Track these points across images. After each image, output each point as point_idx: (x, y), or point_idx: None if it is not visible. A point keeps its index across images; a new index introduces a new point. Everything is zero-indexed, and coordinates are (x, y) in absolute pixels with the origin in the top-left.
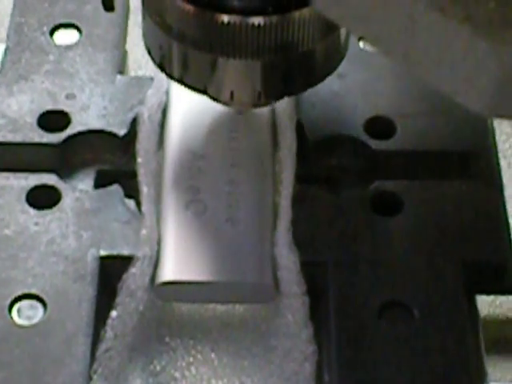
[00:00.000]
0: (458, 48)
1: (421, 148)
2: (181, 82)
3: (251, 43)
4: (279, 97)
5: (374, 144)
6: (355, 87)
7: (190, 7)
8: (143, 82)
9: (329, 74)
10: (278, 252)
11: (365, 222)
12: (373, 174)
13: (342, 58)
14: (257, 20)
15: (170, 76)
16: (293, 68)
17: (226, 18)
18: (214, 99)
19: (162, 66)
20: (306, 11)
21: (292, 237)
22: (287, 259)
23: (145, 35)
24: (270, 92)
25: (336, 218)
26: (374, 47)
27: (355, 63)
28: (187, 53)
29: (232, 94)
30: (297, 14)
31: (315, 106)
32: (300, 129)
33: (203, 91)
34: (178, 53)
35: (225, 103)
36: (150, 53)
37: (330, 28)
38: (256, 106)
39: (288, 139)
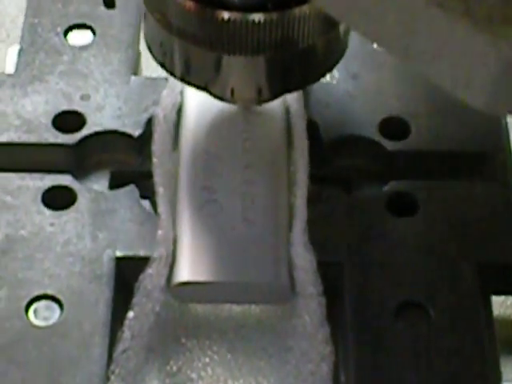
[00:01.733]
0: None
1: (435, 148)
2: (182, 79)
3: (251, 40)
4: (280, 93)
5: (389, 144)
6: (369, 88)
7: (190, 4)
8: (158, 83)
9: (329, 70)
10: (294, 252)
11: (380, 222)
12: (387, 175)
13: (342, 55)
14: (257, 17)
15: (171, 73)
16: (293, 64)
17: (226, 15)
18: (216, 96)
19: (162, 64)
20: (305, 7)
21: (308, 237)
22: (303, 259)
23: (146, 32)
24: (271, 88)
25: (351, 219)
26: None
27: (369, 64)
28: (188, 50)
29: (232, 90)
30: (297, 10)
31: (330, 106)
32: (315, 129)
33: (204, 88)
34: (178, 50)
35: (226, 100)
36: (150, 50)
37: (330, 24)
38: (257, 102)
39: (300, 139)
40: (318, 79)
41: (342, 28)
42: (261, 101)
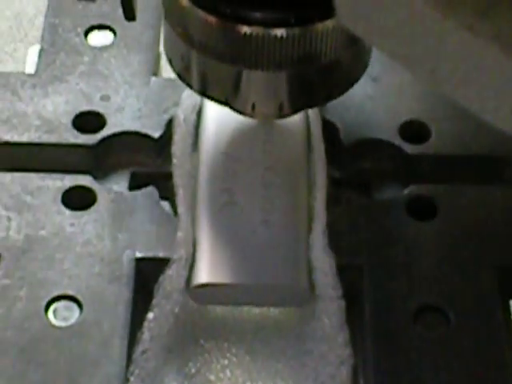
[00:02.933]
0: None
1: (455, 152)
2: (202, 93)
3: (273, 55)
4: (301, 108)
5: (409, 148)
6: (390, 91)
7: (212, 19)
8: (178, 84)
9: (351, 85)
10: (314, 255)
11: (400, 225)
12: (407, 178)
13: (364, 69)
14: (279, 32)
15: (191, 87)
16: (315, 80)
17: (248, 30)
18: (236, 111)
19: (183, 77)
20: (329, 23)
21: (327, 240)
22: (323, 262)
23: (166, 46)
24: (292, 103)
25: (371, 222)
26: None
27: (389, 67)
28: (209, 64)
29: (254, 105)
30: (320, 25)
31: (350, 109)
32: (335, 132)
33: (225, 102)
34: (199, 64)
35: (247, 114)
36: (171, 63)
37: (352, 40)
38: (278, 117)
39: (317, 142)
40: (342, 94)
41: (365, 43)
42: (282, 116)
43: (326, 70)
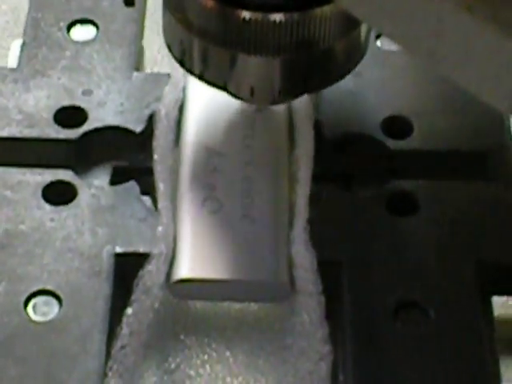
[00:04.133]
0: (484, 47)
1: (437, 147)
2: (201, 77)
3: (272, 40)
4: (299, 94)
5: (391, 143)
6: (372, 86)
7: (211, 3)
8: (160, 79)
9: (349, 71)
10: (294, 251)
11: (381, 221)
12: (389, 174)
13: (362, 56)
14: (278, 17)
15: (191, 72)
16: (313, 65)
17: (247, 15)
18: (234, 95)
19: (182, 62)
20: (327, 8)
21: (308, 236)
22: (303, 258)
23: (165, 31)
24: (290, 89)
25: (352, 218)
26: (399, 45)
27: (372, 62)
28: (208, 49)
29: (252, 90)
30: (318, 10)
31: (332, 104)
32: (317, 127)
33: (223, 87)
34: (198, 49)
35: (245, 99)
36: (170, 49)
37: (351, 25)
38: (275, 102)
39: (305, 138)
40: (338, 80)
41: (363, 29)
42: (280, 101)
43: (324, 55)
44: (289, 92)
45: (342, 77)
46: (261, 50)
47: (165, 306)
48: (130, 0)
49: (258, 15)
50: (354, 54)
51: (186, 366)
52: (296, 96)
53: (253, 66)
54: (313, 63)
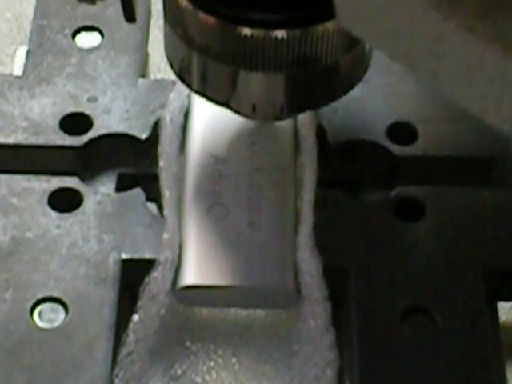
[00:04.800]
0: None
1: (443, 153)
2: (202, 94)
3: (274, 56)
4: (302, 110)
5: (396, 149)
6: (377, 92)
7: (212, 20)
8: (165, 86)
9: (352, 87)
10: (300, 257)
11: (387, 227)
12: (395, 179)
13: (365, 71)
14: (280, 33)
15: (191, 88)
16: (316, 81)
17: (248, 31)
18: (236, 112)
19: (183, 78)
20: (329, 25)
21: (314, 242)
22: (309, 264)
23: (166, 47)
24: (293, 105)
25: (358, 223)
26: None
27: (377, 68)
28: (209, 65)
29: (254, 106)
30: (320, 27)
31: (337, 110)
32: (322, 134)
33: (225, 104)
34: (199, 65)
35: (247, 116)
36: (171, 65)
37: (353, 41)
38: (278, 118)
39: (309, 144)
40: (342, 96)
41: (366, 44)
42: (282, 117)
43: (327, 71)
44: (291, 108)
45: (345, 92)
46: (262, 67)
47: (171, 313)
48: (130, 16)
49: (260, 32)
50: (358, 69)
51: (192, 372)
52: (299, 112)
53: (254, 83)
54: (315, 80)
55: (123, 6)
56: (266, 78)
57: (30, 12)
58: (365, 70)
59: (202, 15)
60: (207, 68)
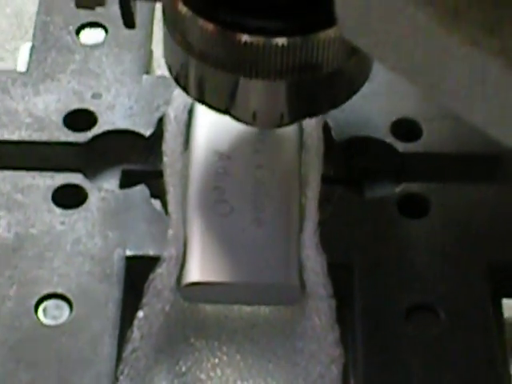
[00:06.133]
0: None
1: (447, 150)
2: (202, 101)
3: (274, 64)
4: (302, 117)
5: (401, 146)
6: (382, 89)
7: (212, 27)
8: (169, 82)
9: (354, 93)
10: (305, 254)
11: (391, 224)
12: (399, 176)
13: (366, 78)
14: (280, 41)
15: (190, 94)
16: (317, 89)
17: (249, 39)
18: (237, 119)
19: (182, 85)
20: (330, 32)
21: (318, 238)
22: (314, 261)
23: (166, 54)
24: (294, 112)
25: (362, 220)
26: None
27: (381, 65)
28: (209, 72)
29: (254, 114)
30: (321, 34)
31: (342, 108)
32: (327, 130)
33: (225, 111)
34: (199, 72)
35: (247, 123)
36: (170, 71)
37: (354, 49)
38: (279, 126)
39: (315, 141)
40: (344, 102)
41: None
42: (284, 124)
43: (328, 78)
44: (292, 116)
45: (346, 99)
46: (263, 74)
47: (175, 310)
48: (130, 22)
49: (260, 39)
50: (359, 76)
51: (197, 369)
52: (299, 119)
53: (255, 90)
54: (316, 87)
55: (122, 12)
56: (267, 85)
57: (31, 8)
58: (366, 76)
59: (201, 22)
60: (206, 75)
